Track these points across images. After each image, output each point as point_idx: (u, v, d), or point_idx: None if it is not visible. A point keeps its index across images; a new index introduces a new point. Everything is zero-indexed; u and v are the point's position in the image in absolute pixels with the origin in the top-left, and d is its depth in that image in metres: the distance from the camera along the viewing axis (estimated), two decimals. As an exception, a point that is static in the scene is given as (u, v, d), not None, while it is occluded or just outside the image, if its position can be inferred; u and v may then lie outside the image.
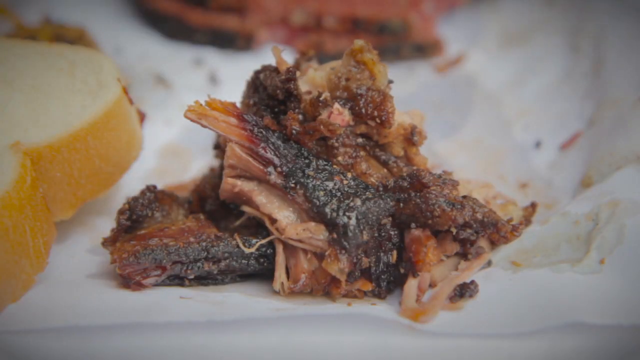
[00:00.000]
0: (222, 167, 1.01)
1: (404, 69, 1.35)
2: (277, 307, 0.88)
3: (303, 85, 0.95)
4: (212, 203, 0.98)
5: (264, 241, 0.92)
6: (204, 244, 0.92)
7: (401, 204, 0.89)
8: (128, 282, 0.90)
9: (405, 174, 0.92)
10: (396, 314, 0.87)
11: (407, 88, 1.31)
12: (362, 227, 0.87)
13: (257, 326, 0.85)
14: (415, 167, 0.95)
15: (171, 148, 1.19)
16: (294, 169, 0.89)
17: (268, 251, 0.93)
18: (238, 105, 0.95)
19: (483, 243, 0.95)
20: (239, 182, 0.92)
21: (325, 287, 0.90)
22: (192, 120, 0.90)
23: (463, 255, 0.93)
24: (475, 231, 0.90)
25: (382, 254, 0.90)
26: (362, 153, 0.93)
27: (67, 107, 0.94)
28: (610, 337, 0.83)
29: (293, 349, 0.83)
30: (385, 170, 0.94)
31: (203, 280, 0.93)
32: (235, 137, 0.90)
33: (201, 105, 0.90)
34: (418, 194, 0.88)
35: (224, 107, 0.91)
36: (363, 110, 0.91)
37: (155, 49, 1.36)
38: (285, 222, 0.90)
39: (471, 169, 1.14)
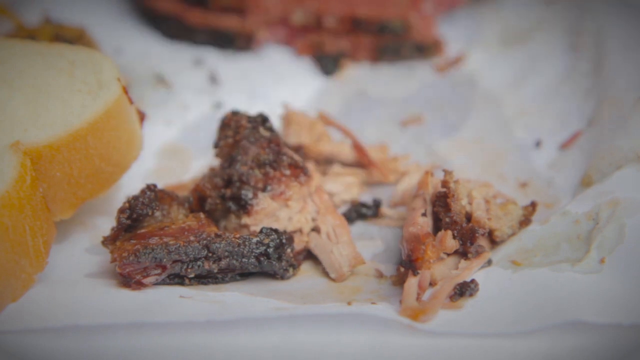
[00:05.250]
0: (222, 167, 1.01)
1: (404, 69, 1.35)
2: (277, 307, 0.88)
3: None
4: (212, 202, 0.98)
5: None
6: (204, 242, 0.92)
7: None
8: (128, 281, 0.90)
9: None
10: (396, 313, 0.87)
11: (407, 88, 1.31)
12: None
13: (257, 326, 0.85)
14: None
15: (171, 148, 1.19)
16: None
17: (268, 250, 0.93)
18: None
19: (483, 242, 0.96)
20: None
21: None
22: None
23: (463, 254, 0.94)
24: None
25: None
26: None
27: (67, 107, 0.94)
28: (610, 336, 0.83)
29: (293, 349, 0.84)
30: None
31: (203, 279, 0.93)
32: None
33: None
34: None
35: None
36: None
37: (155, 49, 1.36)
38: None
39: (471, 168, 1.14)
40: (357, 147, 1.11)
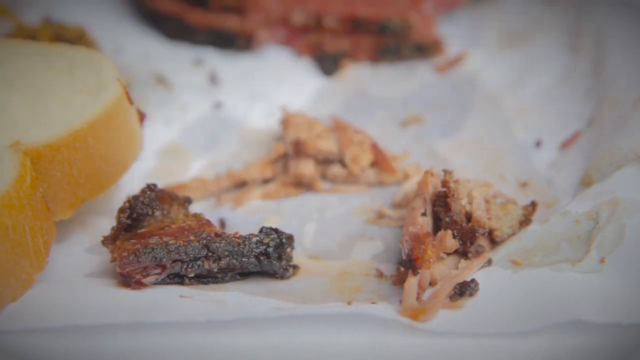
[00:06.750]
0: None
1: (404, 69, 1.35)
2: (277, 306, 0.88)
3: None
4: (212, 202, 0.99)
5: None
6: (204, 242, 0.92)
7: None
8: (128, 280, 0.90)
9: None
10: (396, 312, 0.87)
11: (407, 88, 1.31)
12: None
13: (257, 326, 0.85)
14: None
15: (171, 148, 1.19)
16: None
17: (268, 249, 0.93)
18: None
19: (483, 242, 0.96)
20: None
21: None
22: None
23: (463, 254, 0.94)
24: None
25: None
26: None
27: (67, 107, 0.94)
28: (610, 335, 0.83)
29: (293, 349, 0.84)
30: None
31: (203, 278, 0.93)
32: None
33: None
34: None
35: None
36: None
37: (155, 49, 1.36)
38: None
39: (471, 168, 1.14)
40: (375, 149, 1.11)
